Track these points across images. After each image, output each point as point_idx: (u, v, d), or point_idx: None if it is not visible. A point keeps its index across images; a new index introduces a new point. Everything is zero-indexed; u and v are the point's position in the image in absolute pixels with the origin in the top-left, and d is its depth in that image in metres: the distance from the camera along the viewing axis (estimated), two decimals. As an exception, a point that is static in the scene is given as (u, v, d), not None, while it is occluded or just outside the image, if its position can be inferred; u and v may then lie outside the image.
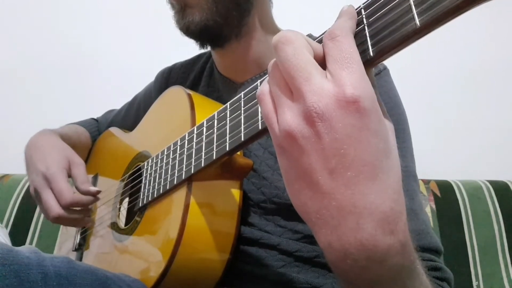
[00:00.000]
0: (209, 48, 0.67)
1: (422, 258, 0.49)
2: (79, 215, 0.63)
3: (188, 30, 0.60)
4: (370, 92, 0.26)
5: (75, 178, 0.65)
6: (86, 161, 0.89)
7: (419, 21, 0.25)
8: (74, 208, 0.62)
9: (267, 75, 0.35)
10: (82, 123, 0.91)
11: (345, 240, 0.26)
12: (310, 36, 0.69)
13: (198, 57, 0.81)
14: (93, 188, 0.63)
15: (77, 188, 0.64)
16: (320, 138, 0.26)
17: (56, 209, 0.61)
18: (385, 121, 0.28)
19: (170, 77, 0.81)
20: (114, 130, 0.86)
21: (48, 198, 0.62)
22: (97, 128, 0.93)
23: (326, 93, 0.26)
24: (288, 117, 0.27)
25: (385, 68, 0.64)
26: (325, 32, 0.30)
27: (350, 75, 0.26)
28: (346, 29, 0.28)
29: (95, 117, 0.97)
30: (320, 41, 0.32)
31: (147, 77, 0.89)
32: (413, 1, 0.26)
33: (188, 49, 0.84)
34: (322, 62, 0.29)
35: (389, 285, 0.28)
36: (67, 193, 0.61)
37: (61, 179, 0.62)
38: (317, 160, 0.27)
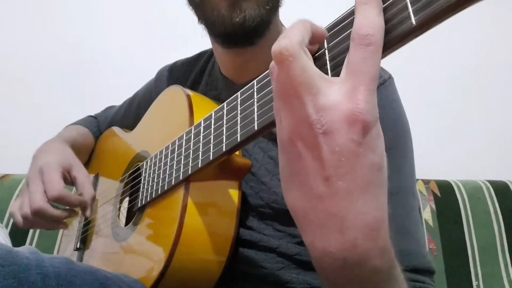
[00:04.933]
0: (209, 47, 0.65)
1: (412, 279, 0.50)
2: (61, 214, 0.62)
3: (243, 25, 0.55)
4: (376, 109, 0.27)
5: (76, 180, 0.65)
6: (88, 160, 0.89)
7: (415, 19, 0.25)
8: (59, 206, 0.62)
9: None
10: (83, 123, 0.91)
11: (326, 240, 0.28)
12: None
13: (199, 56, 0.80)
14: (91, 194, 0.63)
15: (77, 187, 0.63)
16: (319, 148, 0.27)
17: (39, 201, 0.59)
18: (382, 136, 0.28)
19: (171, 75, 0.80)
20: (115, 129, 0.86)
21: (36, 189, 0.60)
22: (97, 127, 0.93)
23: (335, 106, 0.26)
24: (291, 124, 0.28)
25: (390, 77, 0.62)
26: (352, 20, 0.27)
27: (367, 91, 0.26)
28: (382, 32, 0.27)
29: (93, 114, 0.97)
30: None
31: (147, 77, 0.88)
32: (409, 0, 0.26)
33: (188, 49, 0.84)
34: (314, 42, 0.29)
35: (365, 285, 0.30)
36: (57, 185, 0.60)
37: (54, 171, 0.62)
38: (313, 167, 0.27)
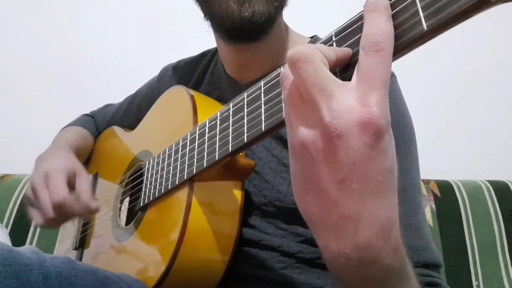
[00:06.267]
0: (213, 46, 0.65)
1: (421, 274, 0.51)
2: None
3: (251, 19, 0.55)
4: (388, 113, 0.27)
5: (77, 185, 0.65)
6: (88, 160, 0.89)
7: (426, 25, 0.25)
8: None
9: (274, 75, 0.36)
10: (81, 124, 0.90)
11: (341, 242, 0.28)
12: (315, 38, 0.69)
13: (202, 55, 0.79)
14: (94, 204, 0.63)
15: (78, 196, 0.64)
16: (333, 152, 0.27)
17: (49, 212, 0.59)
18: (393, 140, 0.29)
19: (174, 75, 0.80)
20: (115, 129, 0.86)
21: (45, 198, 0.60)
22: (95, 126, 0.92)
23: (348, 110, 0.26)
24: (303, 130, 0.28)
25: (392, 75, 0.63)
26: (361, 28, 0.28)
27: (379, 96, 0.26)
28: (391, 38, 0.27)
29: (89, 112, 0.96)
30: (328, 40, 0.33)
31: (147, 77, 0.88)
32: (420, 5, 0.26)
33: (188, 48, 0.84)
34: (333, 66, 0.29)
35: (378, 284, 0.31)
36: (62, 190, 0.60)
37: (59, 176, 0.62)
38: (326, 171, 0.28)
